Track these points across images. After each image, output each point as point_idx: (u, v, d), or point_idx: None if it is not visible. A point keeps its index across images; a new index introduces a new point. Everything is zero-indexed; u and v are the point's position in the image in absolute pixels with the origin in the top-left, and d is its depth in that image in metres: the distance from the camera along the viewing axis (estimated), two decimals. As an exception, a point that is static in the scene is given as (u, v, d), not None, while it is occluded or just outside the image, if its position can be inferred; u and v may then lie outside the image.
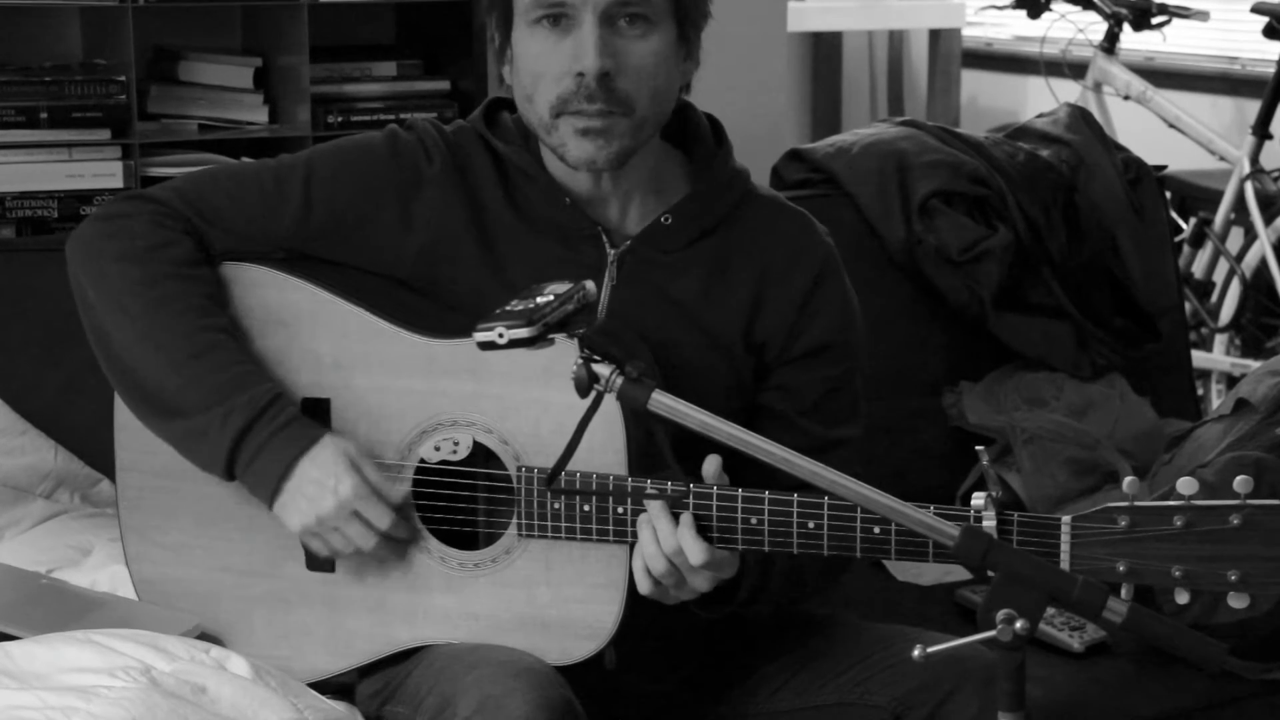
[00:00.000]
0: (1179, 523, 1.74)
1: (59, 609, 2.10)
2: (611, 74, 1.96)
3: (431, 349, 2.00)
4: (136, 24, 3.51)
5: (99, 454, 2.51)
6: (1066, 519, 1.79)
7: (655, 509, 1.87)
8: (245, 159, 2.27)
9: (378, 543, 1.97)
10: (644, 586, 1.91)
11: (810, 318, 2.08)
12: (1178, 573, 1.74)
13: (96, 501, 2.56)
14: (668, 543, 1.87)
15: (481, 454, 1.99)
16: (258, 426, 1.95)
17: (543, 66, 1.98)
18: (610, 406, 1.83)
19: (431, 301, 2.06)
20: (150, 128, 3.67)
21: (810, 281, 2.09)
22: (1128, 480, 1.76)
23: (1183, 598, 1.76)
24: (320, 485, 1.95)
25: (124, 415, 2.09)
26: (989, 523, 1.78)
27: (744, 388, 2.08)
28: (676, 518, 1.87)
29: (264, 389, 1.98)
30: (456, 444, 1.99)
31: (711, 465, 1.89)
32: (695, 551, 1.86)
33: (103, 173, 3.51)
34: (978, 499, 1.78)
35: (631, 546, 1.92)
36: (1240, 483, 1.70)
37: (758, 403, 2.09)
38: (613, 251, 2.06)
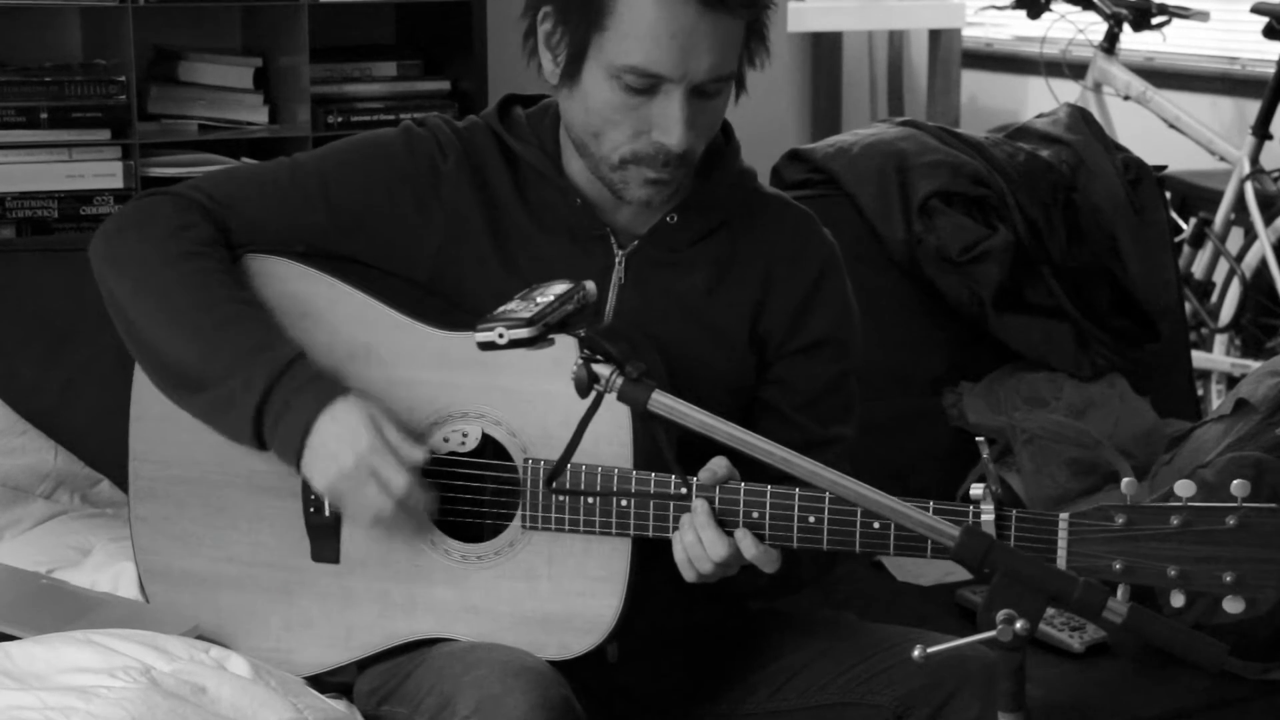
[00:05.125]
0: (1175, 522, 1.75)
1: (59, 609, 2.10)
2: (692, 146, 1.97)
3: (445, 341, 2.01)
4: (136, 24, 3.51)
5: (99, 454, 2.51)
6: (1064, 516, 1.80)
7: (702, 519, 1.88)
8: (247, 159, 2.27)
9: (395, 510, 1.95)
10: (689, 577, 1.92)
11: (811, 312, 2.10)
12: (1173, 573, 1.76)
13: (96, 502, 2.56)
14: (716, 551, 1.87)
15: (491, 446, 2.00)
16: (280, 386, 1.94)
17: (619, 118, 1.96)
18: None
19: (446, 296, 2.06)
20: (150, 128, 3.67)
21: (813, 277, 2.10)
22: (1125, 481, 1.78)
23: (1178, 600, 1.77)
24: (339, 440, 1.93)
25: (141, 405, 2.09)
26: (987, 517, 1.79)
27: (747, 386, 2.09)
28: (722, 524, 1.88)
29: (285, 350, 1.97)
30: (465, 435, 2.00)
31: (721, 465, 1.90)
32: (750, 551, 1.87)
33: (103, 173, 3.51)
34: (976, 489, 1.79)
35: (636, 540, 1.93)
36: (1237, 486, 1.71)
37: (755, 396, 2.10)
38: (620, 252, 2.07)
